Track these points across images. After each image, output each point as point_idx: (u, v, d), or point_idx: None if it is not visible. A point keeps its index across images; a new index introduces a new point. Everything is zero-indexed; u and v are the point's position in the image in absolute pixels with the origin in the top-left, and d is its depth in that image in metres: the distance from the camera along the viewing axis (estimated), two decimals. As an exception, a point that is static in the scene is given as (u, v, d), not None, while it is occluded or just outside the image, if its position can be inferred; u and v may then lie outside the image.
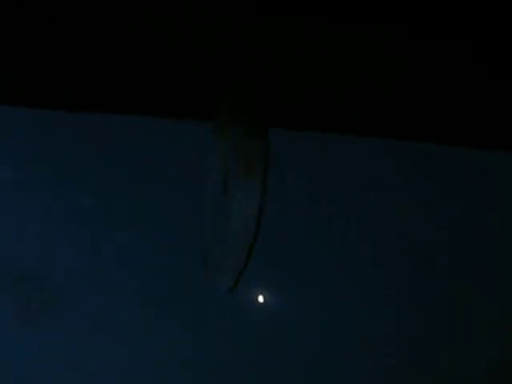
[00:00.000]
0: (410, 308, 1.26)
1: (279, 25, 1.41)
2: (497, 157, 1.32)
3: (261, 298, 1.28)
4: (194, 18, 1.41)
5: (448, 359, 1.25)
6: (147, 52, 1.41)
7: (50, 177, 1.33)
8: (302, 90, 1.38)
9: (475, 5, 1.35)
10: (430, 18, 1.37)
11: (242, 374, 1.25)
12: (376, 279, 1.28)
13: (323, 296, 1.27)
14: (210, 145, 1.33)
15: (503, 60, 1.36)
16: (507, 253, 1.29)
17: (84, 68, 1.42)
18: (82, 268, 1.29)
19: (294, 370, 1.26)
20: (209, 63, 1.40)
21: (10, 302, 1.27)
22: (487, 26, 1.36)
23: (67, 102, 1.40)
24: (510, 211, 1.30)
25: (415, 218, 1.30)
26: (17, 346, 1.25)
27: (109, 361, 1.25)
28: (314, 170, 1.33)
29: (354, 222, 1.30)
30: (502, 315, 1.27)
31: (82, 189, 1.33)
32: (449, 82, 1.37)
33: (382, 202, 1.31)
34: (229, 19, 1.42)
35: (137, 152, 1.33)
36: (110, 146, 1.35)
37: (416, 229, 1.30)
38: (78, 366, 1.24)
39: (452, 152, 1.33)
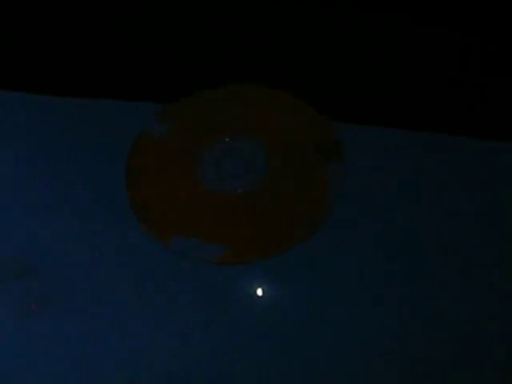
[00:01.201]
0: (416, 306, 1.26)
1: (280, 18, 1.41)
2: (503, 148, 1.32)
3: (266, 294, 1.27)
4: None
5: (452, 358, 1.25)
6: (145, 40, 1.42)
7: (50, 169, 1.33)
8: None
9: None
10: (434, 8, 1.37)
11: (242, 374, 1.25)
12: (382, 276, 1.27)
13: (331, 293, 1.26)
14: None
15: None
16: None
17: (83, 55, 1.43)
18: (83, 262, 1.28)
19: (297, 369, 1.25)
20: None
21: (11, 297, 1.26)
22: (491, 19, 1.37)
23: (68, 89, 1.40)
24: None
25: (422, 211, 1.29)
26: (17, 340, 1.25)
27: (110, 355, 1.24)
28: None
29: (357, 213, 1.30)
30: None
31: (84, 182, 1.33)
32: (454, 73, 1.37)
33: (387, 194, 1.31)
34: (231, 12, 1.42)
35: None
36: (114, 137, 1.35)
37: (422, 222, 1.29)
38: (79, 360, 1.24)
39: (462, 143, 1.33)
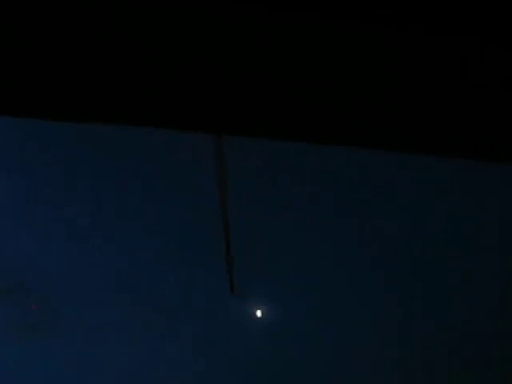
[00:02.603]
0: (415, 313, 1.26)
1: (276, 32, 1.41)
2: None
3: (267, 308, 1.28)
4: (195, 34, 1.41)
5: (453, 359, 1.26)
6: (151, 65, 1.41)
7: (50, 189, 1.32)
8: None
9: (480, 9, 1.35)
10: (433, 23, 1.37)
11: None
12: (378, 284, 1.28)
13: (327, 301, 1.27)
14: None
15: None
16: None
17: (83, 55, 1.42)
18: (82, 280, 1.28)
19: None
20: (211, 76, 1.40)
21: (8, 314, 1.25)
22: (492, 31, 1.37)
23: (74, 113, 1.39)
24: None
25: (422, 226, 1.30)
26: (14, 357, 1.24)
27: (108, 373, 1.24)
28: (312, 181, 1.33)
29: (351, 231, 1.30)
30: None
31: (83, 201, 1.32)
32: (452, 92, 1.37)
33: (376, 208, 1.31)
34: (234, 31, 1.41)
35: (143, 163, 1.32)
36: (116, 158, 1.34)
37: (409, 237, 1.30)
38: (76, 378, 1.24)
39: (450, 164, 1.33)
